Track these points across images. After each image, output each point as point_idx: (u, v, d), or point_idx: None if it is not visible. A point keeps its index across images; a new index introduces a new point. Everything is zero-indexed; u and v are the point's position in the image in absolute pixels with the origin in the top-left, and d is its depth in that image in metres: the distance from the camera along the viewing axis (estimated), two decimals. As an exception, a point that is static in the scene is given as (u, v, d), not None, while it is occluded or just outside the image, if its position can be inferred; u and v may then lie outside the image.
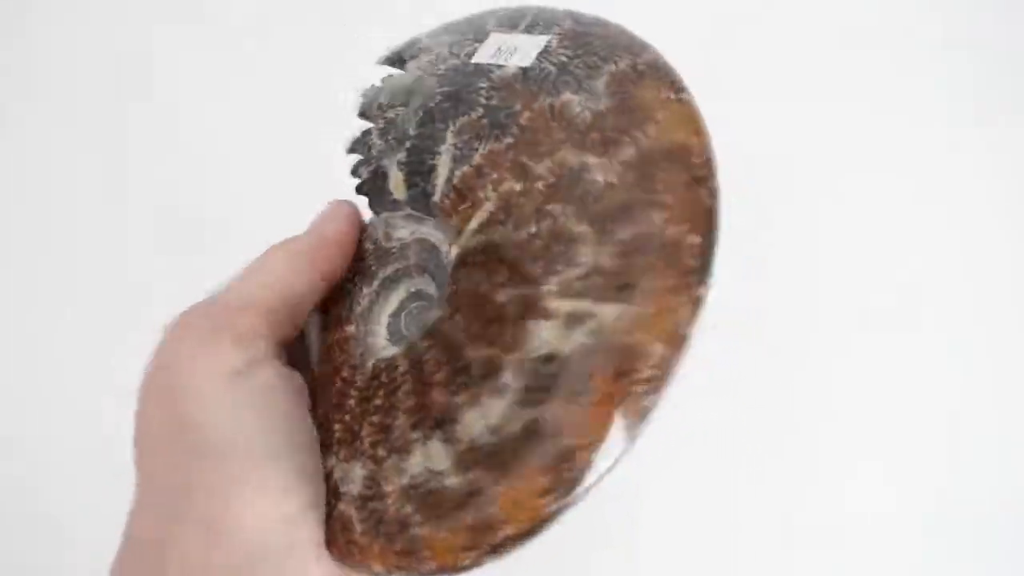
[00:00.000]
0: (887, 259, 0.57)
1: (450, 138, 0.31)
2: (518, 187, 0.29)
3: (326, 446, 0.31)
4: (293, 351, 0.33)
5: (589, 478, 0.26)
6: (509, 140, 0.30)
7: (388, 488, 0.29)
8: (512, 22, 0.33)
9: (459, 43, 0.33)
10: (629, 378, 0.27)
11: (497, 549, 0.27)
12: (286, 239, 0.32)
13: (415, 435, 0.28)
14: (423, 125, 0.32)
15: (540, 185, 0.28)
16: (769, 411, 0.57)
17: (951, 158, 0.57)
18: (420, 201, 0.31)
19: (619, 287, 0.27)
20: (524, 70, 0.31)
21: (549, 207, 0.28)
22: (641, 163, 0.28)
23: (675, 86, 0.30)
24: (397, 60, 0.35)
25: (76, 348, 0.57)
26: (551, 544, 0.31)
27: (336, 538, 0.29)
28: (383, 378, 0.30)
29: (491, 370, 0.27)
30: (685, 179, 0.28)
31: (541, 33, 0.32)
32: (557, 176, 0.28)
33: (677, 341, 0.27)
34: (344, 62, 0.57)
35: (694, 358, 0.35)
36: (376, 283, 0.33)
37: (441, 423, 0.28)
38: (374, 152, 0.34)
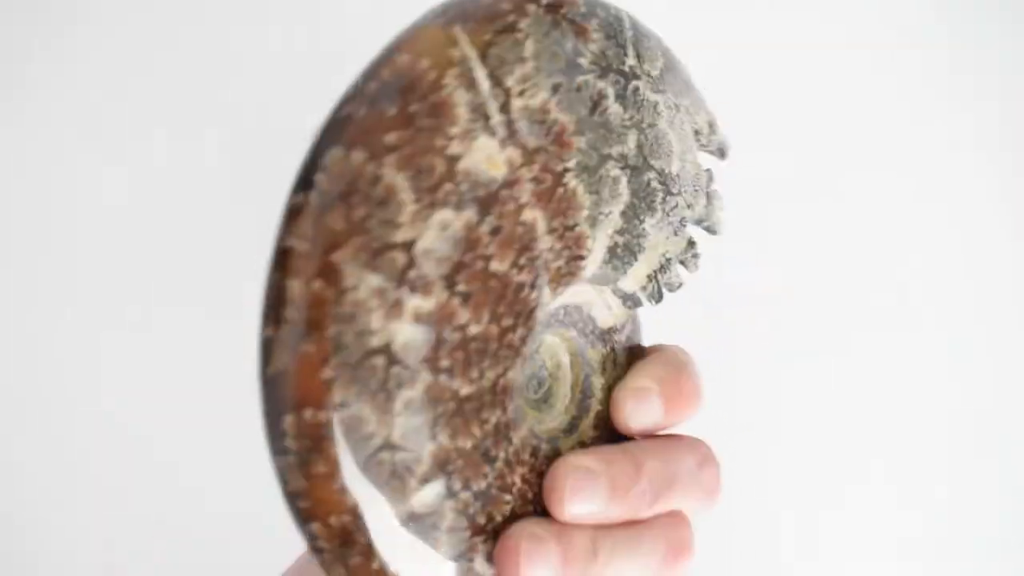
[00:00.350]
0: (886, 258, 0.57)
1: None
2: None
3: None
4: None
5: None
6: None
7: None
8: None
9: None
10: None
11: None
12: None
13: None
14: None
15: None
16: (766, 411, 0.57)
17: (951, 157, 0.57)
18: None
19: None
20: None
21: None
22: None
23: None
24: None
25: (75, 348, 0.57)
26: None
27: None
28: None
29: None
30: None
31: None
32: None
33: None
34: (346, 62, 0.58)
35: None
36: None
37: None
38: None
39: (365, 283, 0.25)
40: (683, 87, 0.31)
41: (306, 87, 0.57)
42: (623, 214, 0.29)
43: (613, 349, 0.31)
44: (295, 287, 0.25)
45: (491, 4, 0.27)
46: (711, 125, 0.32)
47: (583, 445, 0.30)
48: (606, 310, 0.31)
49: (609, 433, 0.31)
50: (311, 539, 0.26)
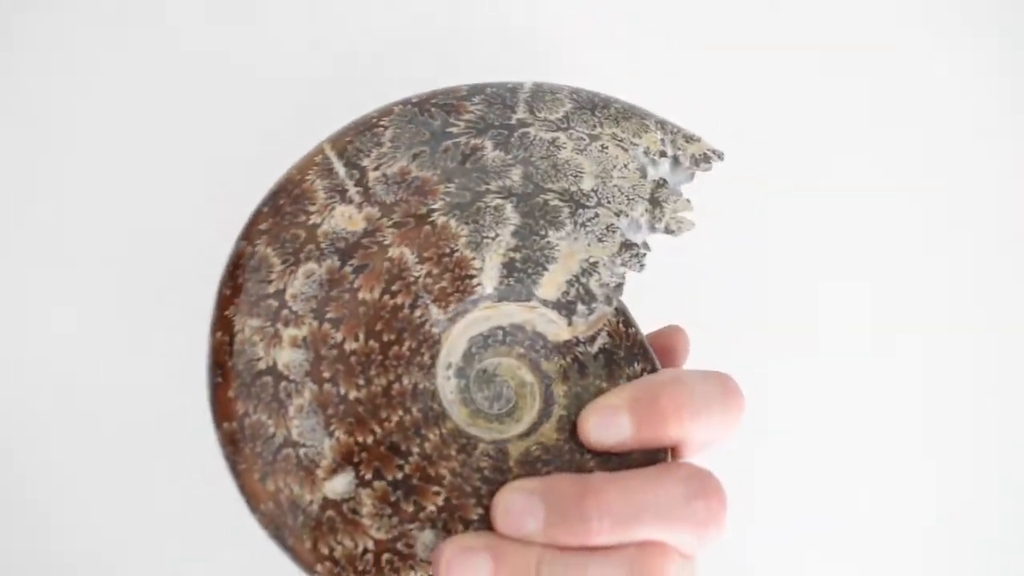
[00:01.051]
0: (887, 258, 0.57)
1: None
2: None
3: None
4: None
5: None
6: None
7: None
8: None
9: None
10: None
11: None
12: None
13: None
14: None
15: None
16: (760, 411, 0.57)
17: (942, 155, 0.57)
18: None
19: None
20: None
21: None
22: None
23: None
24: None
25: (75, 348, 0.57)
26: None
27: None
28: None
29: None
30: None
31: None
32: None
33: None
34: (346, 61, 0.58)
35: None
36: None
37: None
38: None
39: (248, 326, 0.34)
40: (614, 119, 0.37)
41: (307, 89, 0.57)
42: (515, 234, 0.36)
43: (576, 359, 0.35)
44: (211, 341, 0.35)
45: (363, 118, 0.37)
46: (673, 143, 0.37)
47: (543, 446, 0.34)
48: (551, 324, 0.36)
49: (577, 440, 0.35)
50: (261, 527, 0.33)
